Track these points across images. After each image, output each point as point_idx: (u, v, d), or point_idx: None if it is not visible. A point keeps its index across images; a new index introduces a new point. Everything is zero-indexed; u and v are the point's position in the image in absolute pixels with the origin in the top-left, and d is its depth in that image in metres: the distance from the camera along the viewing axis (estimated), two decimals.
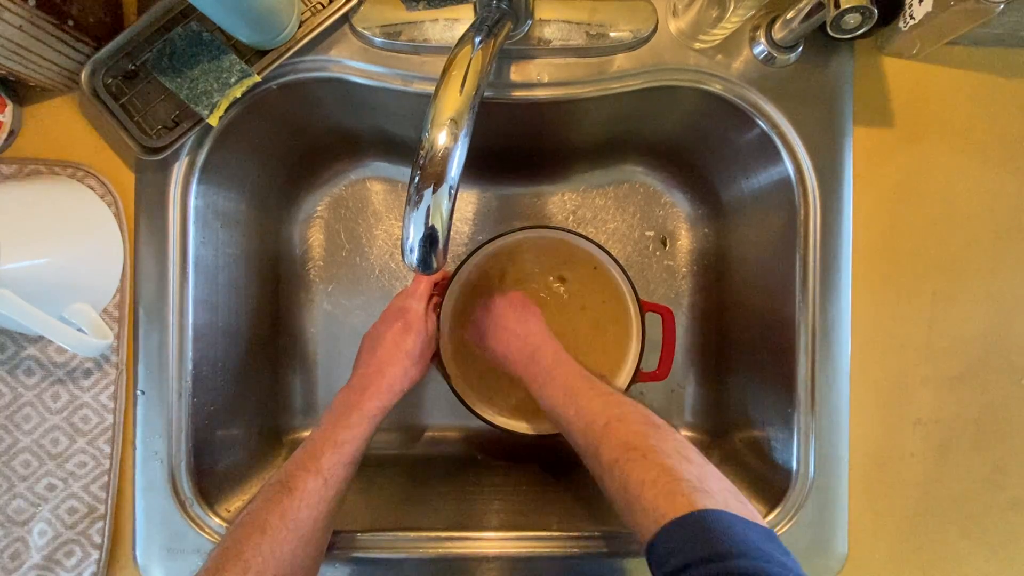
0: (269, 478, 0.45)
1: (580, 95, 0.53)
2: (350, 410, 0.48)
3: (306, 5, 0.50)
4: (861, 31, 0.42)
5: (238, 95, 0.50)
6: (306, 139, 0.63)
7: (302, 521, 0.42)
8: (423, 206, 0.35)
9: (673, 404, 0.70)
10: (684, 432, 0.69)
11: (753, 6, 0.47)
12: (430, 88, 0.44)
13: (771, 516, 0.53)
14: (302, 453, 0.46)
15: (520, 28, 0.51)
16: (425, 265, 0.37)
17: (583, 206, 0.70)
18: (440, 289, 0.59)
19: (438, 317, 0.58)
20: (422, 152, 0.35)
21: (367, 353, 0.53)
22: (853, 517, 0.54)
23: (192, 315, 0.53)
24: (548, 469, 0.67)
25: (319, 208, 0.70)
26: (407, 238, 0.36)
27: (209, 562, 0.39)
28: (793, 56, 0.52)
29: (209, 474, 0.55)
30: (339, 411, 0.48)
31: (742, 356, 0.64)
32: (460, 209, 0.70)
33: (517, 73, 0.52)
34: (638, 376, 0.59)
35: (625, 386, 0.59)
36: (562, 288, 0.62)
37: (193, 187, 0.52)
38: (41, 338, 0.52)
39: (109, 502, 0.52)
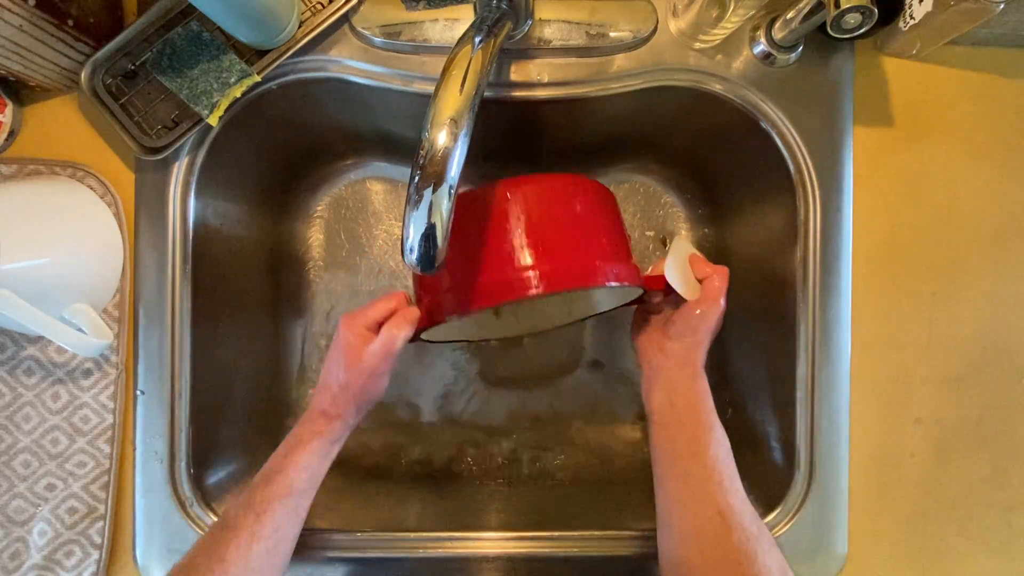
0: None
1: (580, 95, 0.53)
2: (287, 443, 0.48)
3: (306, 5, 0.50)
4: (861, 31, 0.42)
5: (238, 95, 0.50)
6: (306, 139, 0.62)
7: (230, 559, 0.42)
8: (423, 206, 0.35)
9: None
10: None
11: (753, 6, 0.47)
12: (430, 88, 0.44)
13: (771, 516, 0.53)
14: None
15: (520, 28, 0.51)
16: (425, 264, 0.37)
17: None
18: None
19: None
20: (422, 152, 0.35)
21: None
22: (853, 517, 0.54)
23: (192, 315, 0.53)
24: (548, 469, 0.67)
25: (319, 208, 0.69)
26: (407, 237, 0.36)
27: None
28: (793, 56, 0.52)
29: (209, 474, 0.55)
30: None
31: (742, 356, 0.64)
32: None
33: (517, 73, 0.52)
34: None
35: None
36: None
37: (193, 187, 0.52)
38: (41, 338, 0.52)
39: (109, 502, 0.52)
